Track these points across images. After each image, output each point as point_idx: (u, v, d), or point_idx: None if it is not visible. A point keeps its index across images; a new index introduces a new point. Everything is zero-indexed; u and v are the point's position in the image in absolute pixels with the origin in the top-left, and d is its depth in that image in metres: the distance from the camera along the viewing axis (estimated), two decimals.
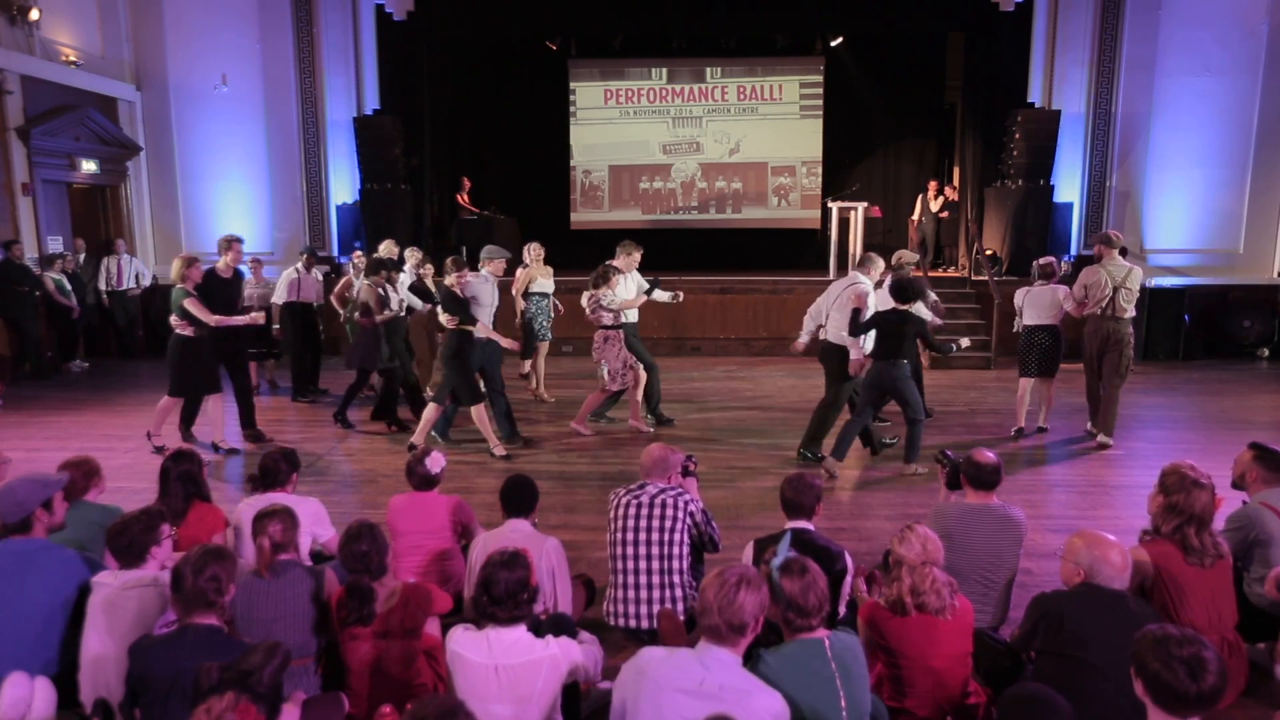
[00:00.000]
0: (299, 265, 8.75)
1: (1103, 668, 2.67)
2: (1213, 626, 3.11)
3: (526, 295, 8.30)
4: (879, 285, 6.54)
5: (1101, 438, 6.78)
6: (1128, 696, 2.19)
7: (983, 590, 3.43)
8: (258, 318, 6.90)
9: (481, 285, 6.83)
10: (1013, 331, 7.32)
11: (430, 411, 6.61)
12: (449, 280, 6.49)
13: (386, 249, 8.44)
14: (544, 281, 8.30)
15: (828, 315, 6.41)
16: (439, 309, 6.67)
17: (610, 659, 3.25)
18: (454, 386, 6.49)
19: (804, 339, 6.68)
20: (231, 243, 6.90)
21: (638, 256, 7.38)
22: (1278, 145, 11.30)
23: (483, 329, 6.57)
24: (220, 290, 6.65)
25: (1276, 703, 3.21)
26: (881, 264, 6.66)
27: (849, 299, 6.16)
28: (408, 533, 3.82)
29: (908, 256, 7.11)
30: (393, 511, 3.90)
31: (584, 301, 7.02)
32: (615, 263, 7.18)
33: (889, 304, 6.11)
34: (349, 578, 2.99)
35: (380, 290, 7.19)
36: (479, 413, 6.52)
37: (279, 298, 8.61)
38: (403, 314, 7.63)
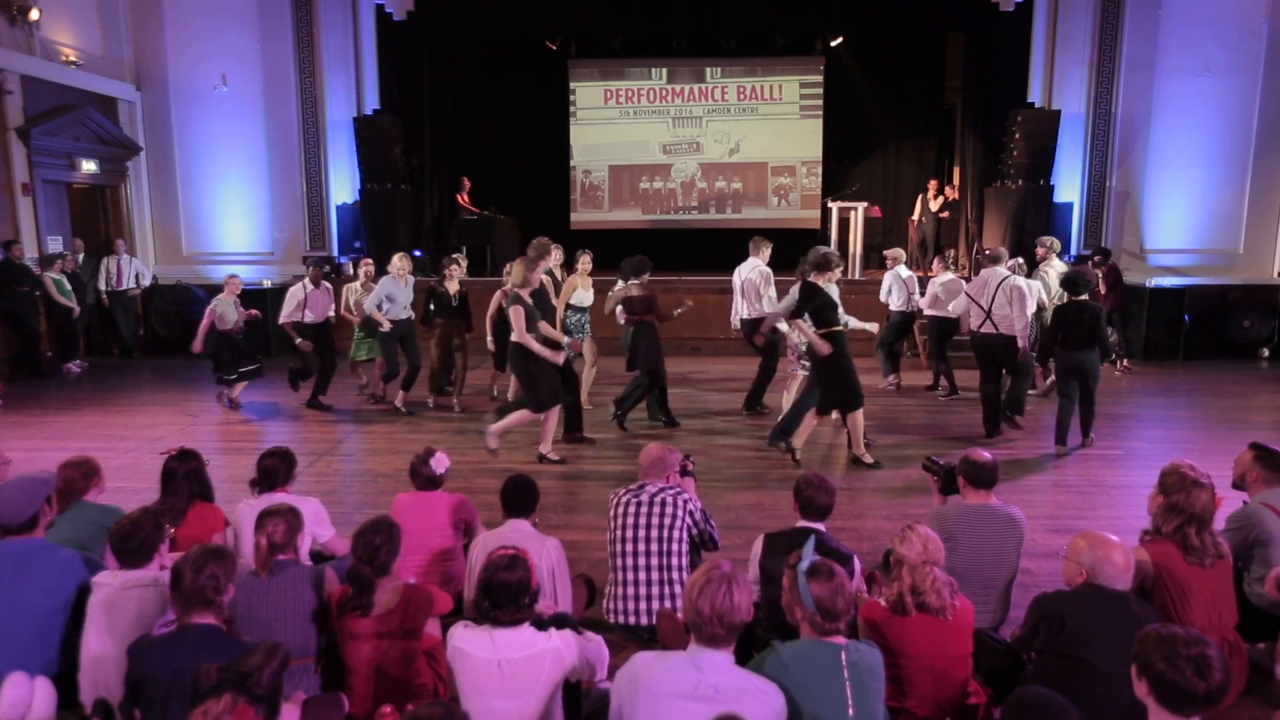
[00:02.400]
0: (306, 281, 7.97)
1: (1104, 669, 2.66)
2: (1213, 626, 3.11)
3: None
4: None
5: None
6: (1129, 697, 2.18)
7: (984, 590, 3.42)
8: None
9: (830, 287, 6.57)
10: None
11: (810, 418, 6.33)
12: (820, 280, 6.14)
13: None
14: (583, 293, 7.68)
15: (990, 307, 6.87)
16: (799, 316, 6.15)
17: (611, 659, 3.25)
18: (827, 393, 6.12)
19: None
20: (551, 248, 6.78)
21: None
22: (1278, 145, 11.30)
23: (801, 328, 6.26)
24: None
25: (1276, 703, 3.21)
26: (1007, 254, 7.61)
27: (1014, 293, 6.77)
28: (410, 531, 3.80)
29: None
30: (396, 510, 3.88)
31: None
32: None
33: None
34: (352, 566, 2.97)
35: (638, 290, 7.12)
36: (856, 418, 6.21)
37: (284, 317, 7.88)
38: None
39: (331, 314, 8.20)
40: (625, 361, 7.28)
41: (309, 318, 7.93)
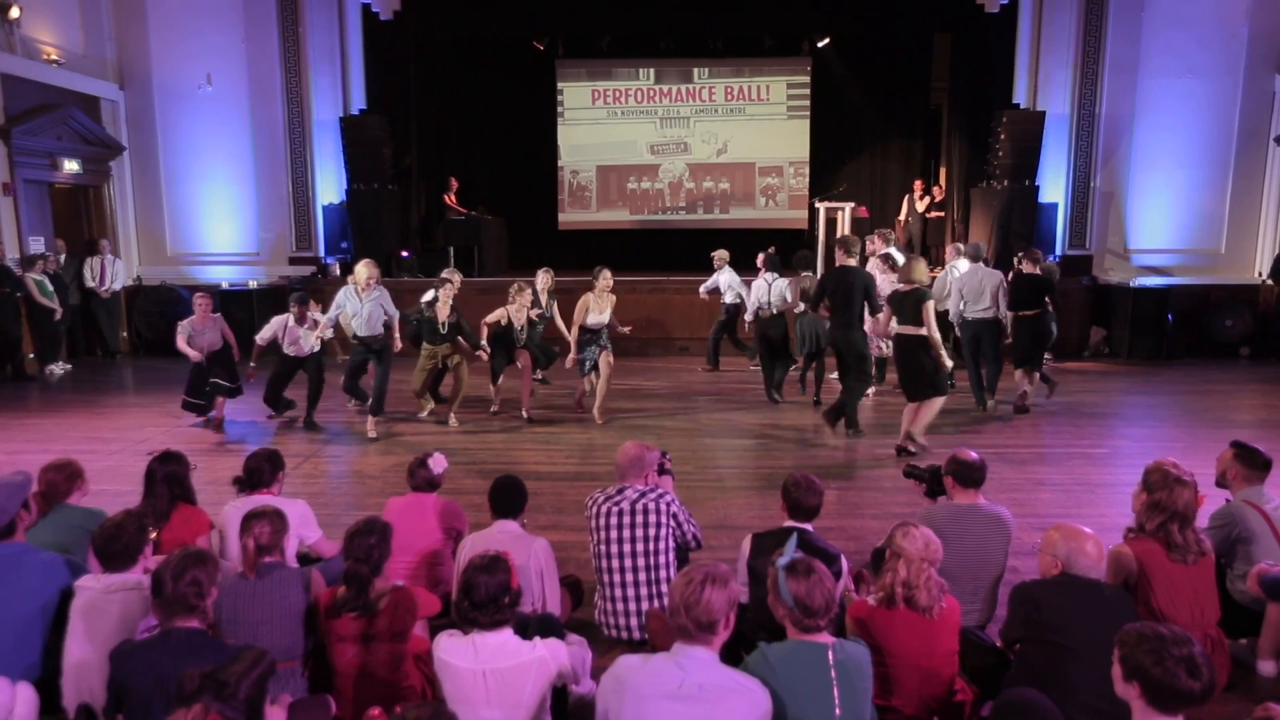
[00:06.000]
0: (290, 315, 7.32)
1: (1081, 651, 2.73)
2: (1196, 623, 3.14)
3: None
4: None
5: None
6: (1108, 679, 2.22)
7: (972, 590, 3.44)
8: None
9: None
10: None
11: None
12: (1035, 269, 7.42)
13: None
14: (597, 315, 7.41)
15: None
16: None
17: (599, 660, 3.24)
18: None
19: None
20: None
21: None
22: (1258, 146, 11.42)
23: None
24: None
25: (1258, 698, 3.24)
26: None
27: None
28: (400, 533, 3.78)
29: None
30: (388, 513, 3.86)
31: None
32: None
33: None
34: (349, 566, 2.95)
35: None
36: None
37: (263, 336, 7.35)
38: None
39: (221, 344, 7.36)
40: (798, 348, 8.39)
41: (288, 349, 7.37)
